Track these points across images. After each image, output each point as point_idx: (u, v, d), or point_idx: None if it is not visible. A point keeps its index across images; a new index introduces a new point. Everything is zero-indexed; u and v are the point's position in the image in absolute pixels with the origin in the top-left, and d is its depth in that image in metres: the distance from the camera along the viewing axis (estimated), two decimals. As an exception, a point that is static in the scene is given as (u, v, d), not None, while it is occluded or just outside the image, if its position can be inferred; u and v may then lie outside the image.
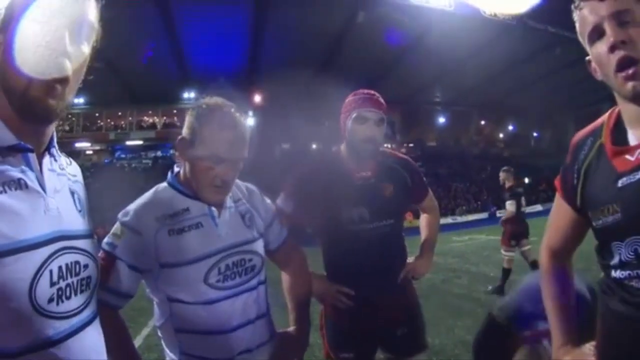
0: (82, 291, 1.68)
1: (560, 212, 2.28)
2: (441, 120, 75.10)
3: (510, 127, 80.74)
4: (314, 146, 63.67)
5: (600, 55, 1.84)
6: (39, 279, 1.51)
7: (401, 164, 3.80)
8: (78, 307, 1.65)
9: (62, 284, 1.59)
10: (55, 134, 1.71)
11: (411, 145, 69.09)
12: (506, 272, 11.89)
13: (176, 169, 2.68)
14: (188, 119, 2.54)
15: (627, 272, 1.84)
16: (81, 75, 1.65)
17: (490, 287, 11.90)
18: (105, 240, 2.43)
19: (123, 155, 63.66)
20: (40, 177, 1.61)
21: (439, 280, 12.53)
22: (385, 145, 3.76)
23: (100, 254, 2.10)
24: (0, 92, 1.53)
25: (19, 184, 1.53)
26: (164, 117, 61.27)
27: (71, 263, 1.64)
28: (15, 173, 1.53)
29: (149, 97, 55.52)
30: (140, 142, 62.60)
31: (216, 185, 2.48)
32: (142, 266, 2.44)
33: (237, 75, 51.64)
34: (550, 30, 48.90)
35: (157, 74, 47.97)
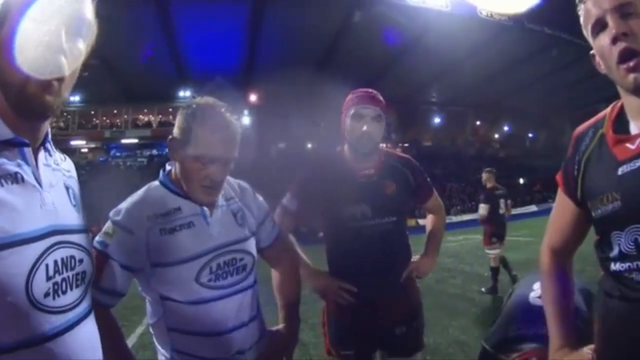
0: (77, 286, 1.67)
1: (561, 209, 2.27)
2: (437, 120, 75.18)
3: (506, 128, 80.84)
4: (309, 146, 63.75)
5: (602, 48, 1.84)
6: (35, 273, 1.50)
7: (404, 163, 3.82)
8: (73, 302, 1.64)
9: (58, 278, 1.59)
10: (50, 129, 1.71)
11: (407, 145, 69.08)
12: (495, 271, 12.00)
13: (168, 168, 2.68)
14: (179, 119, 2.54)
15: (627, 264, 1.83)
16: (77, 72, 1.65)
17: (484, 289, 11.93)
18: (97, 238, 2.42)
19: (118, 154, 63.56)
20: (36, 172, 1.61)
21: (433, 280, 12.55)
22: (381, 145, 3.77)
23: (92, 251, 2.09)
24: None
25: (15, 178, 1.53)
26: (160, 116, 61.17)
27: (67, 257, 1.64)
28: (11, 167, 1.53)
29: (145, 95, 55.46)
30: (135, 141, 62.47)
31: (206, 185, 2.48)
32: (133, 265, 2.44)
33: (234, 75, 51.61)
34: (547, 31, 49.03)
35: (153, 73, 47.93)
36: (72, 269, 1.65)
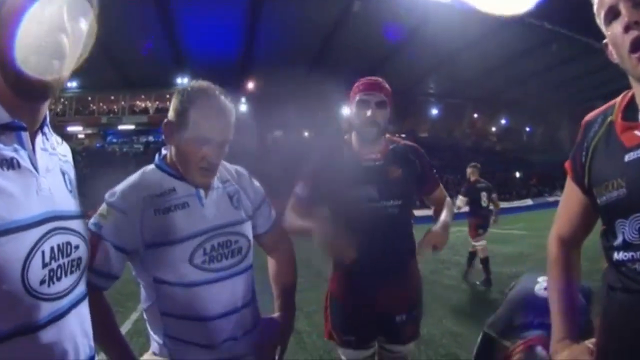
0: (72, 272, 1.66)
1: (570, 197, 2.25)
2: (434, 112, 75.11)
3: (503, 121, 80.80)
4: (306, 134, 63.66)
5: (615, 36, 1.82)
6: (31, 260, 1.49)
7: (410, 150, 3.86)
8: (67, 288, 1.63)
9: (54, 265, 1.58)
10: (48, 112, 1.70)
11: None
12: (484, 262, 12.11)
13: (164, 152, 2.68)
14: (174, 102, 2.54)
15: (630, 253, 1.82)
16: (78, 53, 1.63)
17: (478, 282, 12.00)
18: (92, 220, 2.42)
19: (115, 140, 63.41)
20: (33, 157, 1.59)
21: (428, 271, 12.58)
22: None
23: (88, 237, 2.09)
24: None
25: (12, 164, 1.50)
26: (157, 102, 60.98)
27: (63, 244, 1.62)
28: (7, 152, 1.51)
29: (143, 81, 55.30)
30: (132, 127, 62.33)
31: (202, 167, 2.49)
32: (127, 247, 2.44)
33: (231, 62, 51.53)
34: (547, 26, 48.86)
35: (151, 59, 47.79)
36: (68, 255, 1.64)
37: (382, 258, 3.57)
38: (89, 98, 61.24)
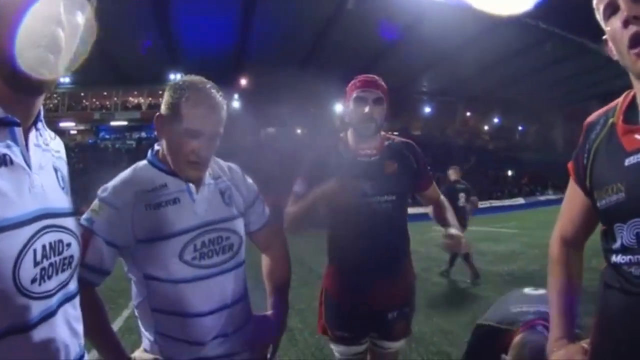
0: (63, 270, 1.64)
1: (572, 198, 2.23)
2: (427, 110, 75.17)
3: (496, 120, 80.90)
4: (299, 131, 63.65)
5: (614, 32, 1.78)
6: (22, 258, 1.46)
7: (406, 146, 3.89)
8: (57, 286, 1.61)
9: (46, 263, 1.55)
10: (42, 108, 1.68)
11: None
12: (466, 257, 12.16)
13: (156, 148, 2.68)
14: (166, 96, 2.54)
15: (628, 257, 1.80)
16: (74, 47, 1.60)
17: (468, 280, 12.09)
18: (84, 216, 2.43)
19: (107, 136, 63.29)
20: (26, 153, 1.56)
21: (419, 268, 12.45)
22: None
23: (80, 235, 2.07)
24: None
25: (4, 160, 1.48)
26: (150, 98, 60.81)
27: (55, 242, 1.59)
28: (0, 148, 1.48)
29: (135, 77, 55.21)
30: (125, 123, 62.20)
31: (191, 160, 2.48)
32: (119, 242, 2.44)
33: (225, 59, 51.43)
34: (541, 26, 48.94)
35: (144, 55, 47.70)
36: (59, 253, 1.62)
37: (377, 253, 3.60)
38: (82, 94, 61.06)
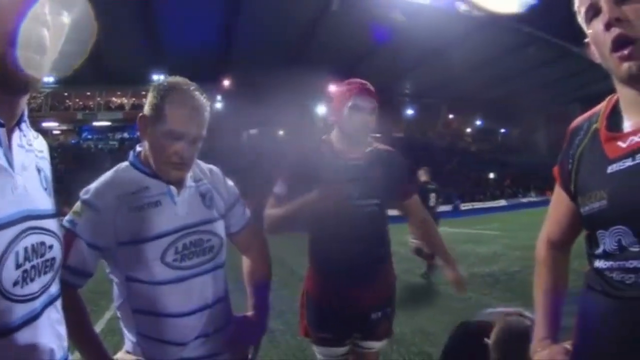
0: (45, 272, 1.59)
1: (558, 201, 2.21)
2: (410, 111, 75.32)
3: (479, 122, 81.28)
4: (280, 132, 63.63)
5: (596, 35, 1.76)
6: (5, 261, 1.42)
7: (391, 153, 3.93)
8: (40, 289, 1.57)
9: (27, 265, 1.50)
10: (26, 108, 1.65)
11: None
12: (429, 257, 12.37)
13: (138, 149, 2.67)
14: (149, 97, 2.54)
15: (610, 262, 1.78)
16: (59, 46, 1.58)
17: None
18: (66, 217, 2.41)
19: (90, 136, 63.12)
20: (9, 154, 1.52)
21: (400, 270, 12.53)
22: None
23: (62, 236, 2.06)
24: None
25: None
26: (133, 99, 60.76)
27: (37, 244, 1.55)
28: None
29: (119, 77, 55.01)
30: (108, 123, 62.08)
31: (174, 162, 2.49)
32: (101, 244, 2.44)
33: (208, 59, 51.36)
34: (525, 29, 49.18)
35: (127, 55, 47.56)
36: (41, 256, 1.57)
37: (359, 256, 3.62)
38: (65, 93, 60.80)
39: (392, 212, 4.04)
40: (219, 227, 2.73)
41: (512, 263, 14.40)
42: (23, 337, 1.48)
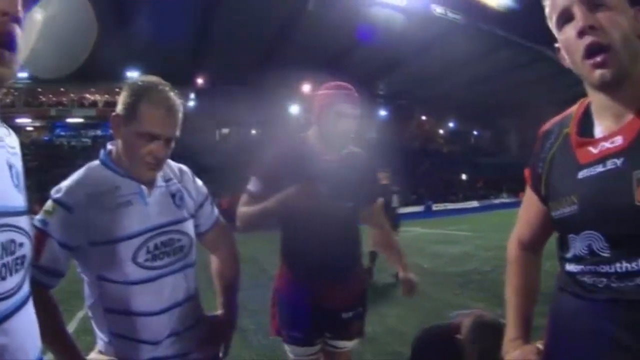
0: (17, 271, 1.54)
1: (529, 203, 2.21)
2: (383, 113, 75.48)
3: (451, 124, 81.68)
4: (253, 132, 63.55)
5: (568, 41, 1.75)
6: None
7: (366, 157, 3.97)
8: (13, 288, 1.52)
9: None
10: None
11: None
12: (373, 254, 12.40)
13: (109, 147, 2.67)
14: (123, 96, 2.53)
15: (581, 266, 1.81)
16: (31, 43, 1.56)
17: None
18: (37, 217, 2.39)
19: (63, 133, 62.60)
20: None
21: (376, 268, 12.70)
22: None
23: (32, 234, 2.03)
24: None
25: None
26: (106, 95, 60.40)
27: (7, 241, 1.50)
28: None
29: (92, 74, 54.58)
30: (81, 120, 61.61)
31: (148, 162, 2.49)
32: (73, 244, 2.42)
33: (182, 57, 51.16)
34: (499, 33, 49.53)
35: (101, 51, 47.19)
36: (12, 253, 1.51)
37: (331, 257, 3.62)
38: (39, 89, 60.26)
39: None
40: (189, 226, 2.73)
41: (484, 263, 14.48)
42: None
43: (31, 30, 1.54)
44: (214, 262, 3.09)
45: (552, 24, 1.83)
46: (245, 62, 51.77)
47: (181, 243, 2.65)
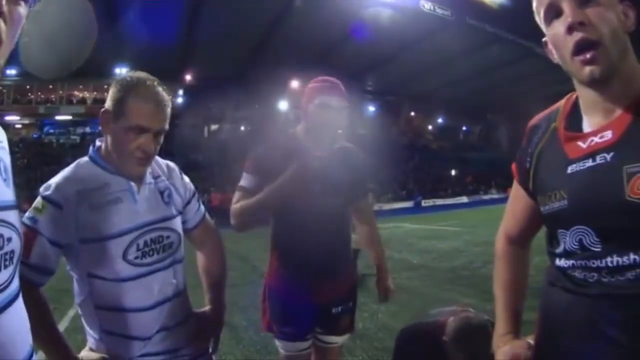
0: (5, 266, 1.52)
1: (516, 198, 2.22)
2: (372, 109, 75.44)
3: (440, 120, 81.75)
4: (242, 128, 63.51)
5: (556, 37, 1.76)
6: None
7: (355, 152, 3.98)
8: (2, 284, 1.50)
9: None
10: None
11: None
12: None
13: (98, 144, 2.67)
14: (111, 91, 2.54)
15: (571, 261, 1.81)
16: (15, 38, 1.51)
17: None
18: (27, 214, 2.39)
19: (52, 131, 62.30)
20: None
21: (361, 266, 12.66)
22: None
23: (21, 228, 2.02)
24: None
25: None
26: (95, 92, 60.09)
27: None
28: None
29: (81, 70, 54.35)
30: (69, 117, 61.31)
31: (137, 156, 2.50)
32: (62, 241, 2.43)
33: (171, 53, 51.01)
34: (488, 29, 49.56)
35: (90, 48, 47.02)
36: (0, 248, 1.49)
37: (322, 252, 3.63)
38: (28, 87, 59.96)
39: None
40: (177, 223, 2.76)
41: (473, 259, 14.54)
42: None
43: (16, 25, 1.49)
44: (201, 258, 3.11)
45: (539, 18, 1.84)
46: (234, 58, 51.71)
47: (170, 240, 2.66)
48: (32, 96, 60.69)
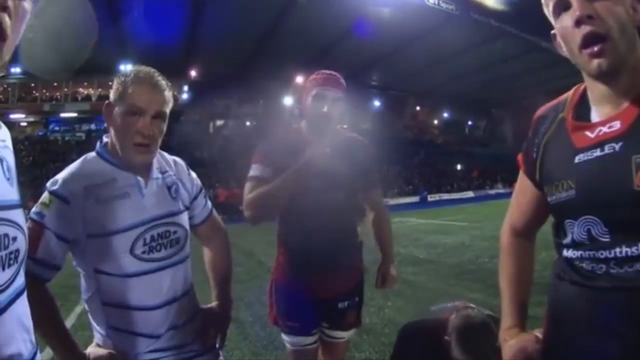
0: (9, 265, 1.53)
1: (522, 189, 2.23)
2: (377, 103, 75.35)
3: (446, 115, 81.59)
4: (247, 124, 63.52)
5: (565, 29, 1.76)
6: None
7: (359, 143, 3.97)
8: (5, 283, 1.51)
9: None
10: None
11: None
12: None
13: (105, 139, 2.68)
14: (114, 85, 2.57)
15: (579, 252, 1.81)
16: (20, 33, 1.52)
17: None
18: (33, 209, 2.40)
19: (57, 128, 62.30)
20: None
21: (368, 261, 12.66)
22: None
23: (28, 223, 1.98)
24: None
25: None
26: (100, 89, 60.08)
27: (0, 236, 1.50)
28: None
29: (86, 67, 54.42)
30: (75, 115, 61.30)
31: (138, 142, 2.49)
32: (69, 236, 2.43)
33: (175, 50, 51.00)
34: (493, 23, 49.40)
35: (94, 45, 47.04)
36: (5, 248, 1.51)
37: (327, 246, 3.62)
38: (32, 84, 59.99)
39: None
40: (184, 218, 2.76)
41: (479, 253, 14.48)
42: None
43: (21, 20, 1.50)
44: (207, 254, 3.12)
45: (548, 11, 1.83)
46: (239, 54, 51.66)
47: (177, 235, 2.67)
48: (37, 94, 60.67)
